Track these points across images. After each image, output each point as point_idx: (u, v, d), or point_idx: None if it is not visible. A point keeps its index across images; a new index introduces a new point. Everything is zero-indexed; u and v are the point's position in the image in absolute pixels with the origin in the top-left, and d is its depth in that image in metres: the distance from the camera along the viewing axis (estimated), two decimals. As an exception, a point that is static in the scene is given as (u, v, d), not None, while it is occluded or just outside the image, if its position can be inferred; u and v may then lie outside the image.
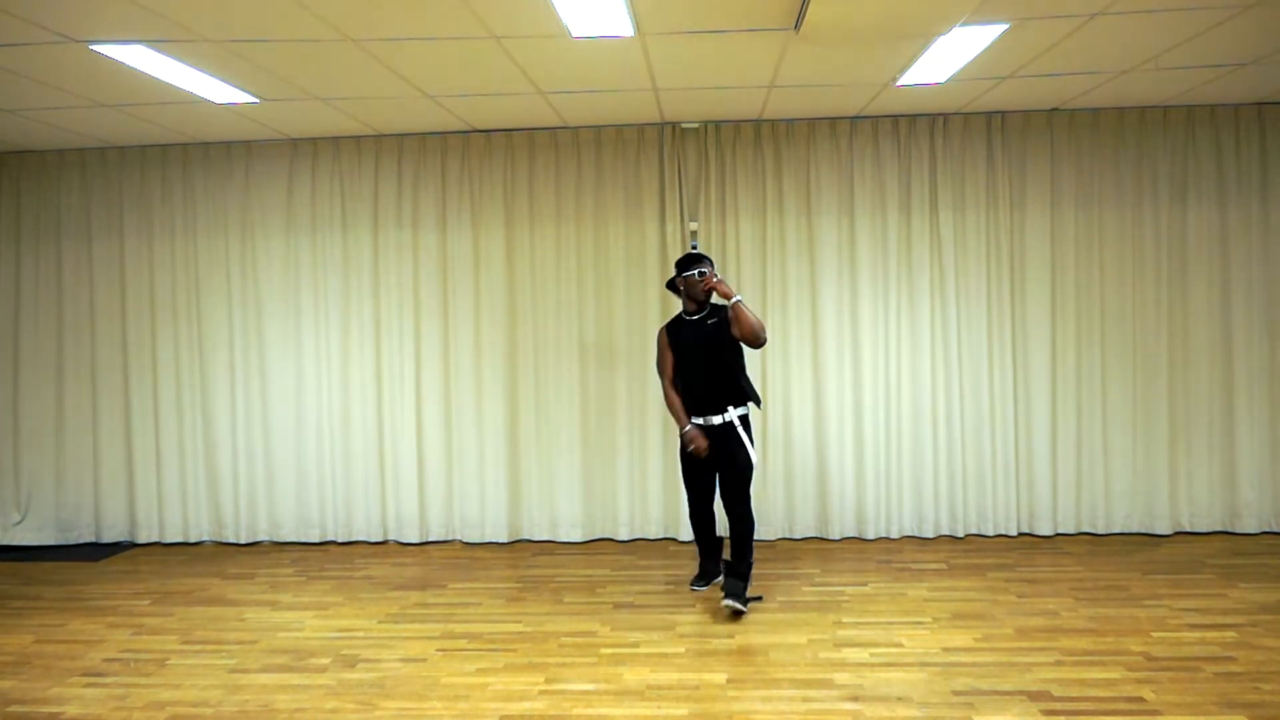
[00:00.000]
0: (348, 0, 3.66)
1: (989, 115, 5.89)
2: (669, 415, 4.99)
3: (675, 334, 4.81)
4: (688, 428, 4.71)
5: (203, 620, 4.79)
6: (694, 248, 6.07)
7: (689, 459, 4.78)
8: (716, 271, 4.74)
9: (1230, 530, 5.88)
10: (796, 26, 3.94)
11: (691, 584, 5.07)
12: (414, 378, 6.16)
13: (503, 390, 6.11)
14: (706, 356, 4.67)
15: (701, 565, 5.10)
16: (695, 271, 4.66)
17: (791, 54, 4.50)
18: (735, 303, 4.52)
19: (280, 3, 3.65)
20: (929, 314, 5.95)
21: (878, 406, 5.98)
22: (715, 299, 4.76)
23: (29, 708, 3.74)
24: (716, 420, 4.68)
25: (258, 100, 5.07)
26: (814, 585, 5.08)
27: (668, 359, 4.83)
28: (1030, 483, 5.96)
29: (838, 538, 6.01)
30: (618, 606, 4.83)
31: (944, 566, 5.39)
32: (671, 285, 4.88)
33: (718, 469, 4.74)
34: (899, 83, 5.03)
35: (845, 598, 4.86)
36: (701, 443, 4.64)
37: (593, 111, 5.62)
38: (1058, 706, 3.50)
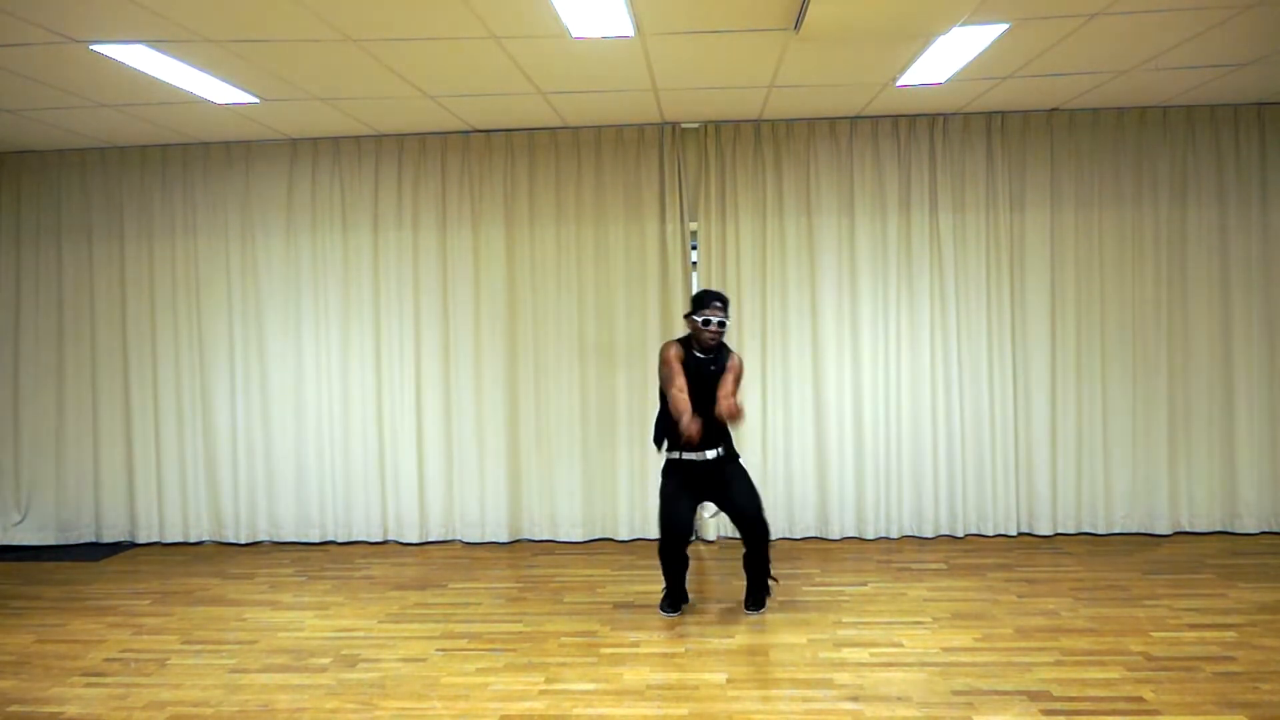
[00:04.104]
0: (348, 0, 3.67)
1: (989, 115, 5.89)
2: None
3: (687, 360, 4.47)
4: (692, 423, 4.25)
5: (203, 620, 4.78)
6: (694, 247, 6.07)
7: (675, 486, 4.51)
8: (729, 313, 4.49)
9: (1230, 530, 5.88)
10: (796, 26, 3.94)
11: (663, 608, 4.68)
12: (414, 377, 6.16)
13: (503, 390, 6.11)
14: (706, 396, 4.39)
15: (671, 591, 4.69)
16: (702, 319, 4.40)
17: (791, 54, 4.50)
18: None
19: (280, 3, 3.65)
20: (929, 314, 5.94)
21: (878, 406, 5.97)
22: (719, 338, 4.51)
23: (29, 708, 3.74)
24: (710, 455, 4.49)
25: (258, 100, 5.08)
26: (814, 585, 5.08)
27: (679, 376, 4.39)
28: (1030, 483, 5.96)
29: (838, 538, 6.01)
30: (618, 606, 4.83)
31: (944, 566, 5.39)
32: (688, 316, 4.52)
33: (716, 497, 4.60)
34: (899, 83, 5.03)
35: (845, 598, 4.86)
36: (694, 428, 4.24)
37: (593, 111, 5.62)
38: (1058, 706, 3.50)
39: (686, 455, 4.51)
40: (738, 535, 5.93)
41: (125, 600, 5.15)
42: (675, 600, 4.69)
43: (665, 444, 4.60)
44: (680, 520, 4.50)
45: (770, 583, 4.73)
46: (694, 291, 6.06)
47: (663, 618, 4.61)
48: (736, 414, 4.27)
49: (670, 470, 4.59)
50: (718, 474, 4.54)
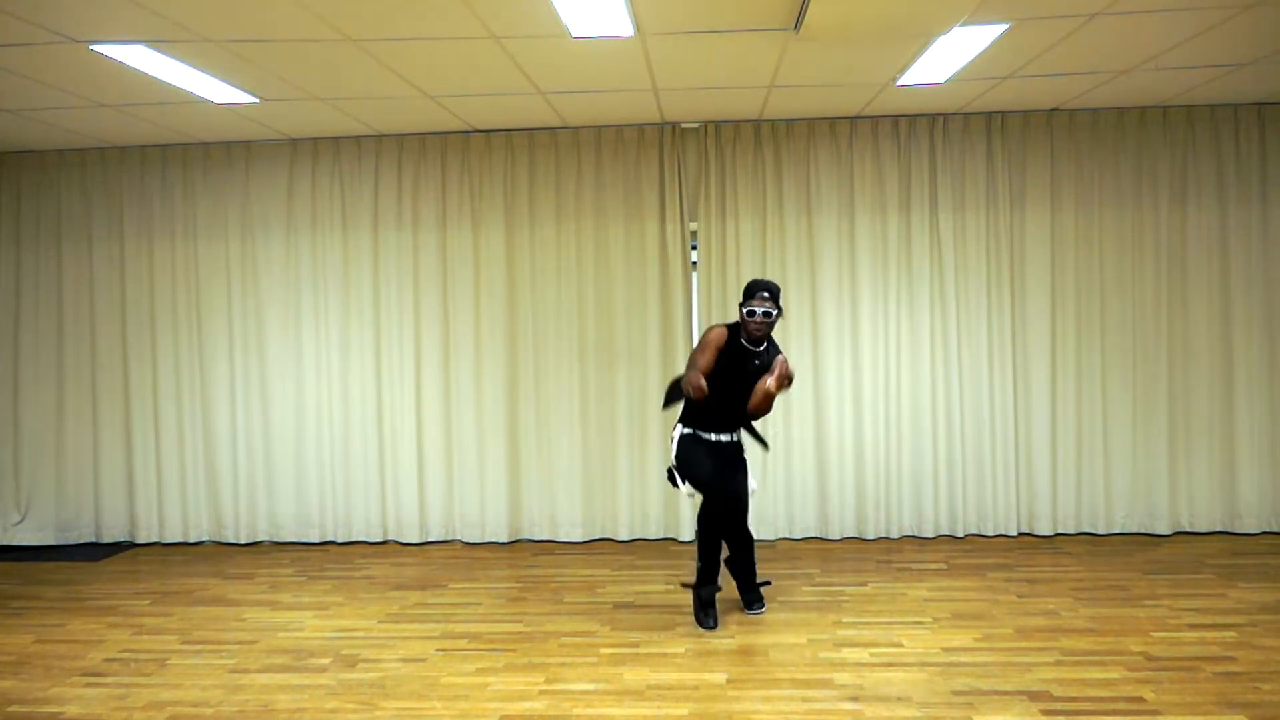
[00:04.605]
0: (348, 0, 3.67)
1: (989, 115, 5.89)
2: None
3: (729, 347, 4.34)
4: (699, 378, 4.12)
5: (203, 620, 4.78)
6: (694, 247, 6.07)
7: (702, 454, 4.40)
8: (780, 303, 4.34)
9: (1230, 530, 5.88)
10: (796, 26, 3.94)
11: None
12: (414, 377, 6.16)
13: (503, 390, 6.11)
14: (741, 388, 4.32)
15: (707, 571, 4.51)
16: (746, 310, 4.27)
17: (791, 54, 4.50)
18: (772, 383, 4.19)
19: (280, 3, 3.65)
20: (929, 314, 5.94)
21: (878, 406, 5.97)
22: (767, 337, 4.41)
23: (29, 708, 3.74)
24: (726, 438, 4.49)
25: (258, 100, 5.07)
26: (814, 585, 5.08)
27: (708, 359, 4.26)
28: (1030, 483, 5.96)
29: (838, 538, 6.01)
30: (618, 606, 4.83)
31: (944, 566, 5.39)
32: (740, 306, 4.38)
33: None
34: (899, 83, 5.03)
35: (845, 598, 4.86)
36: (699, 380, 4.11)
37: (593, 111, 5.62)
38: (1058, 706, 3.50)
39: (702, 434, 4.47)
40: None
41: (125, 600, 5.15)
42: (712, 576, 4.50)
43: (680, 411, 4.55)
44: (727, 481, 4.38)
45: (761, 585, 4.69)
46: (693, 291, 6.10)
47: (701, 602, 4.48)
48: (773, 395, 4.17)
49: (690, 442, 4.46)
50: (730, 462, 4.49)
